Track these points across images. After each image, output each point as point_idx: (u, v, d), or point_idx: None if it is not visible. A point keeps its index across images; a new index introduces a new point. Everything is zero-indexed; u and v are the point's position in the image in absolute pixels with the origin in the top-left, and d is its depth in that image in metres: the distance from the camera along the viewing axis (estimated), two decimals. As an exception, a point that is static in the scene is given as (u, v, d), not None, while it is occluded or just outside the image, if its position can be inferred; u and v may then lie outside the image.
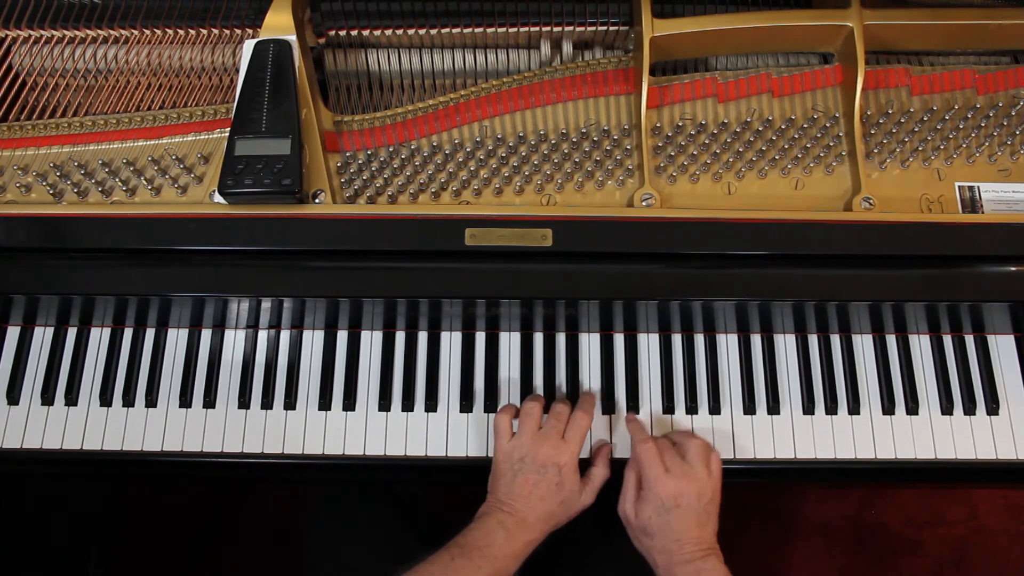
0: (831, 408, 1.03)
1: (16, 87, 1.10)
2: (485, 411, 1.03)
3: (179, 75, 1.11)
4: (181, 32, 1.10)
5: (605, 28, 1.09)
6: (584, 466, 0.97)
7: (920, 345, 1.07)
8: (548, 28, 1.08)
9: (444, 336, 1.06)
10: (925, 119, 1.06)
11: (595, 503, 0.96)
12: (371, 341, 1.06)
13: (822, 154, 1.03)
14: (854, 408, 1.03)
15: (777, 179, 1.04)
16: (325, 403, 1.03)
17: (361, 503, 1.15)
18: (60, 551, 1.55)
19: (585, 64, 1.08)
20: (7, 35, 1.10)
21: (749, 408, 1.03)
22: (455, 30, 1.08)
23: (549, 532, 0.93)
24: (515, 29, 1.08)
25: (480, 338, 1.06)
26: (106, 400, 1.03)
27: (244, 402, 1.03)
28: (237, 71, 1.08)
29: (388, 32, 1.08)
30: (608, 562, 1.08)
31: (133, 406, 1.03)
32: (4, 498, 1.45)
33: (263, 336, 1.06)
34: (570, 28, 1.08)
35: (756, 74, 1.07)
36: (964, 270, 0.97)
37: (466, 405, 1.03)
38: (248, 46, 1.03)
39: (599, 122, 1.06)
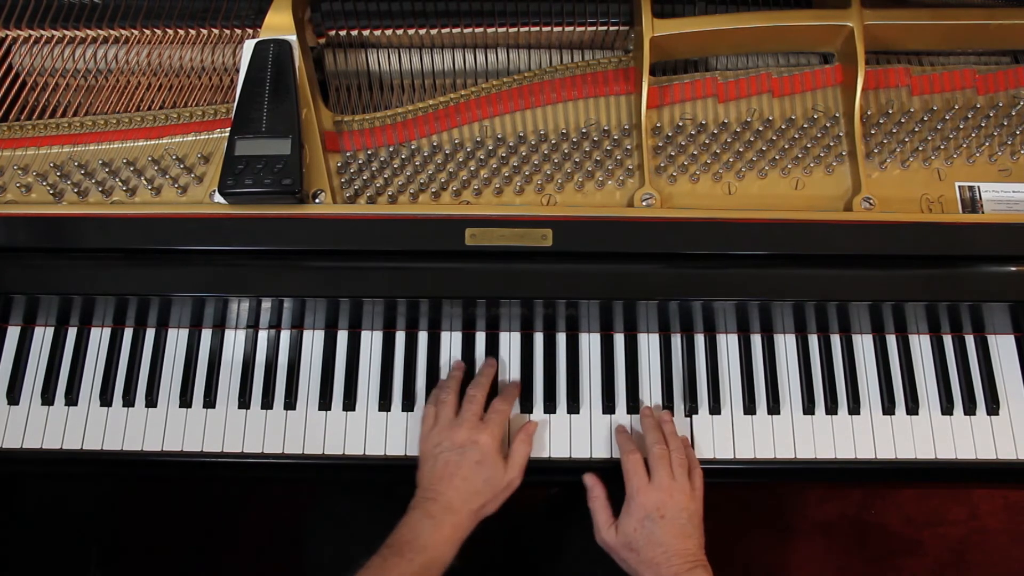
0: (831, 408, 1.03)
1: (16, 87, 1.10)
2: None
3: (179, 75, 1.11)
4: (181, 32, 1.10)
5: (605, 28, 1.09)
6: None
7: (920, 345, 1.07)
8: (548, 28, 1.08)
9: (444, 336, 1.06)
10: (925, 119, 1.06)
11: (584, 519, 0.96)
12: (371, 341, 1.06)
13: (822, 154, 1.03)
14: (854, 408, 1.03)
15: (777, 179, 1.04)
16: (325, 403, 1.03)
17: (361, 503, 1.15)
18: (60, 551, 1.55)
19: (585, 64, 1.08)
20: (7, 35, 1.10)
21: (749, 408, 1.03)
22: (455, 30, 1.08)
23: (479, 514, 0.93)
24: (515, 29, 1.08)
25: (480, 338, 1.06)
26: (106, 400, 1.03)
27: (244, 402, 1.03)
28: (237, 71, 1.07)
29: (388, 32, 1.08)
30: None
31: (133, 406, 1.03)
32: (4, 498, 1.45)
33: (263, 336, 1.06)
34: (570, 28, 1.08)
35: (756, 74, 1.07)
36: (964, 270, 0.97)
37: (466, 405, 1.03)
38: (248, 46, 1.03)
39: (599, 122, 1.06)
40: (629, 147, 1.04)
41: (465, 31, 1.08)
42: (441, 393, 0.99)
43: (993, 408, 1.03)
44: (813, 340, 1.07)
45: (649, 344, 1.06)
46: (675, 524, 0.90)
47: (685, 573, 0.87)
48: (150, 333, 1.07)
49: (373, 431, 1.02)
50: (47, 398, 1.03)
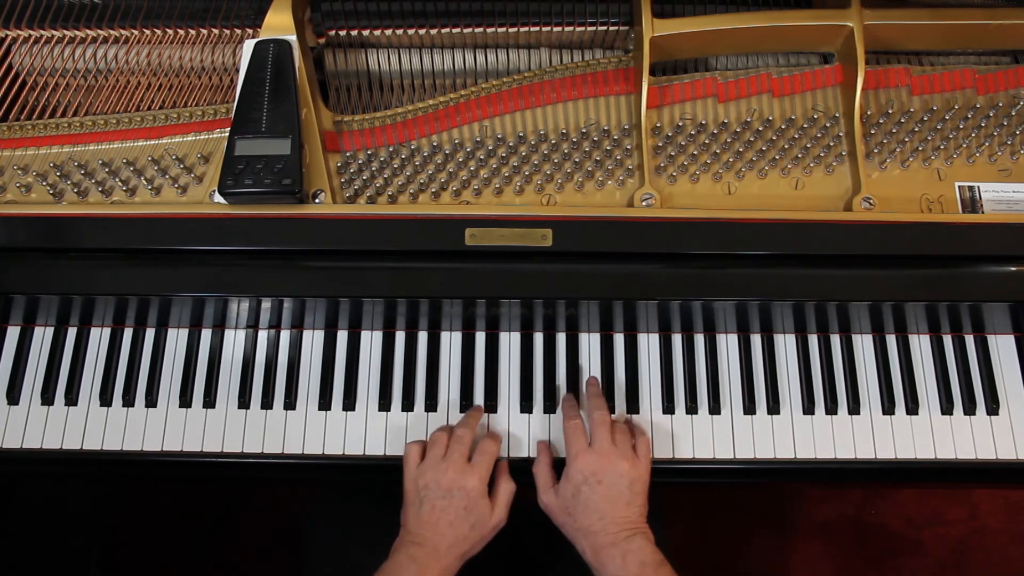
0: (831, 408, 1.03)
1: (16, 87, 1.10)
2: (484, 411, 1.03)
3: (179, 75, 1.11)
4: (181, 32, 1.10)
5: (605, 28, 1.09)
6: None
7: (920, 345, 1.07)
8: (548, 28, 1.08)
9: (444, 336, 1.06)
10: (925, 119, 1.06)
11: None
12: (371, 341, 1.06)
13: (822, 154, 1.03)
14: (854, 408, 1.03)
15: (777, 179, 1.04)
16: (325, 403, 1.03)
17: (361, 503, 1.15)
18: (60, 551, 1.55)
19: (585, 64, 1.08)
20: (7, 35, 1.10)
21: (749, 408, 1.03)
22: (455, 30, 1.08)
23: (465, 557, 0.92)
24: (515, 29, 1.08)
25: (480, 338, 1.06)
26: (106, 400, 1.03)
27: (244, 402, 1.03)
28: (237, 71, 1.08)
29: (388, 32, 1.08)
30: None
31: (133, 406, 1.03)
32: (4, 498, 1.45)
33: (263, 336, 1.06)
34: (570, 28, 1.08)
35: (756, 74, 1.07)
36: (964, 270, 0.97)
37: (466, 405, 1.03)
38: (248, 46, 1.03)
39: (599, 122, 1.06)
40: (629, 147, 1.04)
41: (465, 31, 1.08)
42: (434, 433, 0.97)
43: (993, 408, 1.03)
44: (813, 340, 1.07)
45: (649, 344, 1.06)
46: (613, 490, 0.89)
47: (623, 541, 0.86)
48: (150, 333, 1.07)
49: (373, 431, 1.02)
50: (47, 398, 1.03)
